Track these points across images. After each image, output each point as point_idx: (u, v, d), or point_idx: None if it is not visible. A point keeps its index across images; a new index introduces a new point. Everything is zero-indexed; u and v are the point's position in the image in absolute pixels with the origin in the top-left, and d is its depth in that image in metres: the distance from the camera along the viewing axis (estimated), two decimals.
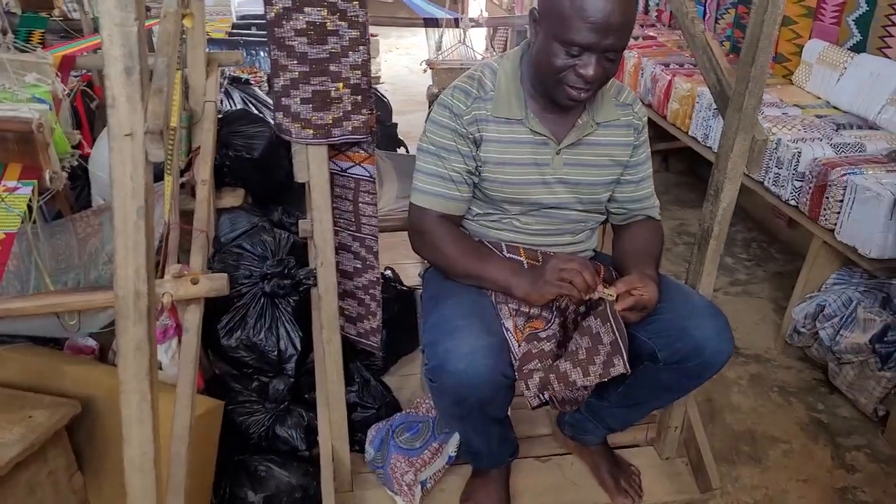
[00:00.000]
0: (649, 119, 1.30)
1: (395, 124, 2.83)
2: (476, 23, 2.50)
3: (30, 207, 1.39)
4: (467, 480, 1.37)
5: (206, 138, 1.68)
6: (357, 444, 1.44)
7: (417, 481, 1.32)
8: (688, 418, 1.43)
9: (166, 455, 1.12)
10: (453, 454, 1.37)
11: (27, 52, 1.65)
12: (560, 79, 1.08)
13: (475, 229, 1.27)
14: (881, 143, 1.93)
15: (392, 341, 1.65)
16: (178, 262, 1.46)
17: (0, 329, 1.34)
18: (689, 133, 2.50)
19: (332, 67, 1.04)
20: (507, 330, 1.16)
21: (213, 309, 1.44)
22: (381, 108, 2.79)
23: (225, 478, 1.37)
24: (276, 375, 1.49)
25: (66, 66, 1.64)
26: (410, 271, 2.04)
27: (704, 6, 3.09)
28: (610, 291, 1.08)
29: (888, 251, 1.61)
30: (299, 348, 1.50)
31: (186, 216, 1.58)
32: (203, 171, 1.59)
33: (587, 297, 1.08)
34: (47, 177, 1.42)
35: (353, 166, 1.20)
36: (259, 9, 3.52)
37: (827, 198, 1.74)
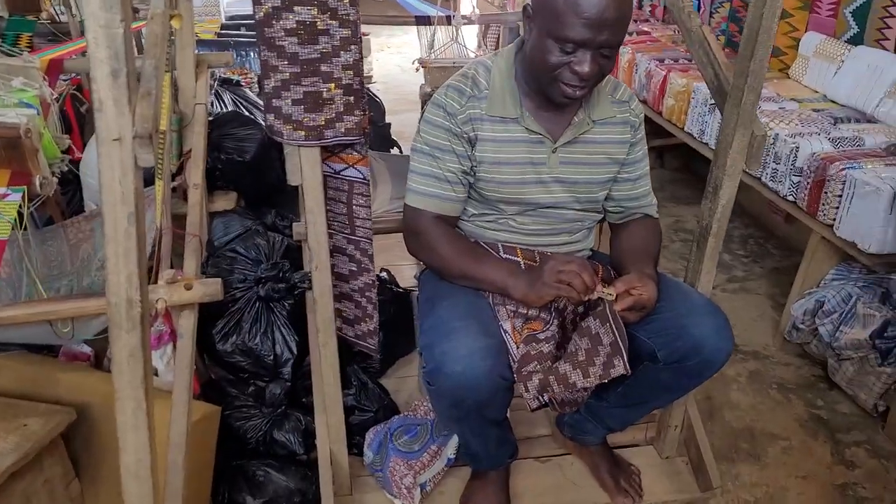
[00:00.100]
0: (644, 115, 1.29)
1: (389, 124, 2.81)
2: (469, 20, 2.48)
3: (20, 214, 1.37)
4: (466, 482, 1.36)
5: (196, 141, 1.66)
6: (355, 448, 1.43)
7: (417, 484, 1.31)
8: (688, 417, 1.42)
9: (163, 462, 1.11)
10: (452, 456, 1.36)
11: (14, 56, 1.62)
12: (555, 76, 1.06)
13: (471, 230, 1.26)
14: (880, 136, 1.92)
15: (389, 343, 1.64)
16: (172, 267, 1.44)
17: None
18: (685, 129, 2.49)
19: (324, 68, 1.03)
20: (506, 331, 1.15)
21: (208, 314, 1.43)
22: (374, 108, 2.77)
23: (223, 483, 1.36)
24: (273, 380, 1.47)
25: (53, 69, 1.62)
26: (406, 272, 2.03)
27: (699, 0, 3.08)
28: (609, 291, 1.07)
29: (888, 246, 1.60)
30: (295, 352, 1.49)
31: (179, 220, 1.56)
32: (195, 174, 1.57)
33: (586, 299, 1.07)
34: (37, 182, 1.40)
35: (347, 168, 1.19)
36: (249, 9, 3.48)
37: (825, 193, 1.73)
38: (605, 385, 1.10)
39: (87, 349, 1.52)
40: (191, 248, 1.40)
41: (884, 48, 2.11)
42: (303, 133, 1.05)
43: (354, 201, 1.22)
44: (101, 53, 0.71)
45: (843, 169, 1.70)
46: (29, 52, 1.98)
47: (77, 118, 1.94)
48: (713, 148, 2.28)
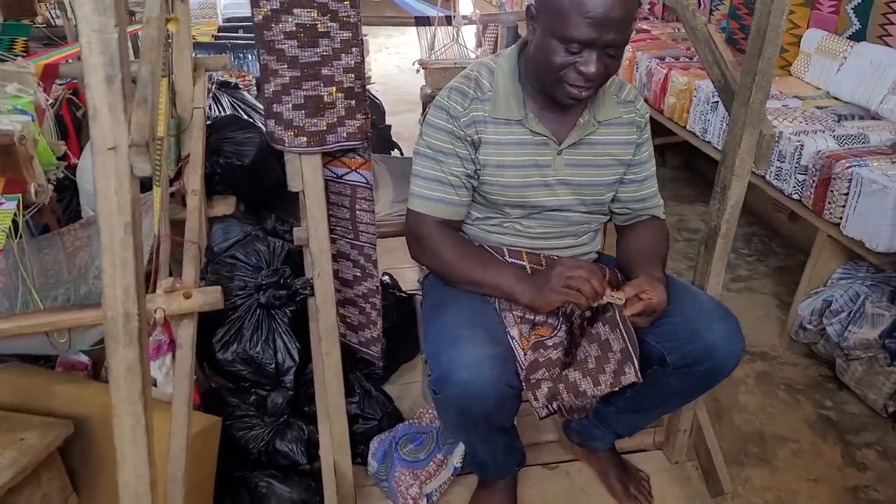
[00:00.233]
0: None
1: (389, 126, 2.78)
2: (469, 20, 2.46)
3: (15, 223, 1.35)
4: (473, 491, 1.34)
5: (195, 146, 1.63)
6: (359, 457, 1.40)
7: (423, 494, 1.29)
8: (697, 421, 1.40)
9: (163, 476, 1.09)
10: (458, 465, 1.34)
11: (7, 61, 1.60)
12: (560, 77, 1.04)
13: (475, 234, 1.24)
14: (884, 133, 1.90)
15: (392, 349, 1.61)
16: (170, 274, 1.42)
17: None
18: (688, 127, 2.47)
19: (325, 71, 1.00)
20: (513, 338, 1.13)
21: (208, 322, 1.40)
22: (374, 110, 2.75)
23: (225, 496, 1.33)
24: (275, 388, 1.45)
25: (48, 75, 1.59)
26: (409, 276, 2.01)
27: None
28: (618, 296, 1.05)
29: None
30: (297, 360, 1.46)
31: (177, 226, 1.54)
32: (193, 180, 1.54)
33: (595, 304, 1.05)
34: (32, 190, 1.38)
35: (350, 172, 1.16)
36: (246, 11, 3.47)
37: (832, 191, 1.71)
38: (613, 391, 1.08)
39: (84, 358, 1.49)
40: (190, 255, 1.38)
41: (887, 44, 2.09)
42: (304, 139, 1.03)
43: (358, 206, 1.19)
44: (96, 59, 0.69)
45: (850, 167, 1.68)
46: (24, 56, 1.95)
47: (73, 122, 1.92)
48: (716, 146, 2.30)
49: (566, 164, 1.16)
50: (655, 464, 1.42)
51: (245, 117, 2.17)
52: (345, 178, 1.18)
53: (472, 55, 2.98)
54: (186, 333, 1.21)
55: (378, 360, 1.37)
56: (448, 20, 2.40)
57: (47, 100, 1.55)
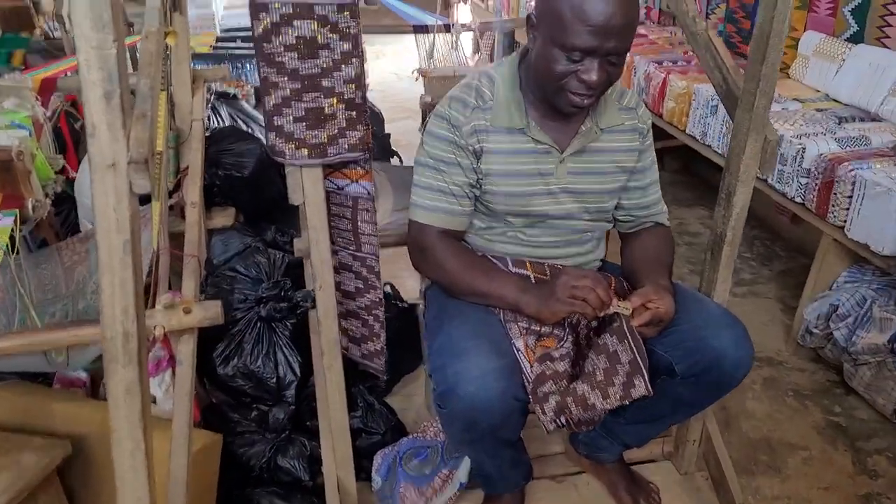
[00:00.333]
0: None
1: (388, 134, 2.78)
2: (468, 28, 2.46)
3: (13, 238, 1.33)
4: None
5: (194, 158, 1.62)
6: (363, 472, 1.38)
7: None
8: (706, 430, 1.38)
9: (163, 495, 1.06)
10: (464, 480, 1.31)
11: (4, 74, 1.59)
12: (561, 85, 1.03)
13: (478, 244, 1.23)
14: (886, 135, 1.89)
15: (394, 360, 1.58)
16: (170, 287, 1.40)
17: None
18: (687, 131, 2.46)
19: (325, 82, 0.99)
20: (518, 350, 1.11)
21: (208, 336, 1.38)
22: (373, 119, 2.74)
23: None
24: (276, 403, 1.43)
25: (46, 89, 1.58)
26: (409, 285, 1.99)
27: (695, 1, 3.06)
28: (625, 305, 1.03)
29: None
30: (299, 374, 1.44)
31: (176, 239, 1.52)
32: (192, 193, 1.53)
33: (601, 314, 1.03)
34: (30, 206, 1.37)
35: (351, 184, 1.15)
36: (243, 21, 3.47)
37: (835, 194, 1.70)
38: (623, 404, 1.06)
39: (82, 374, 1.47)
40: (189, 268, 1.36)
41: (885, 46, 2.09)
42: (305, 151, 1.02)
43: (359, 217, 1.18)
44: (94, 75, 0.68)
45: (853, 170, 1.67)
46: (23, 69, 1.94)
47: (72, 135, 1.90)
48: (717, 150, 2.29)
49: (569, 172, 1.15)
50: (664, 475, 1.40)
51: (244, 128, 2.16)
52: (346, 189, 1.16)
53: (470, 62, 2.98)
54: (186, 350, 1.19)
55: (382, 373, 1.35)
56: (447, 28, 2.40)
57: (45, 113, 1.54)
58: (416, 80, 2.44)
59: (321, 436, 1.32)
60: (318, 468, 1.36)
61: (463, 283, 1.14)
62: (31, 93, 1.52)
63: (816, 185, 1.78)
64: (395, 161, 2.63)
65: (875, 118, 2.04)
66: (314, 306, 1.25)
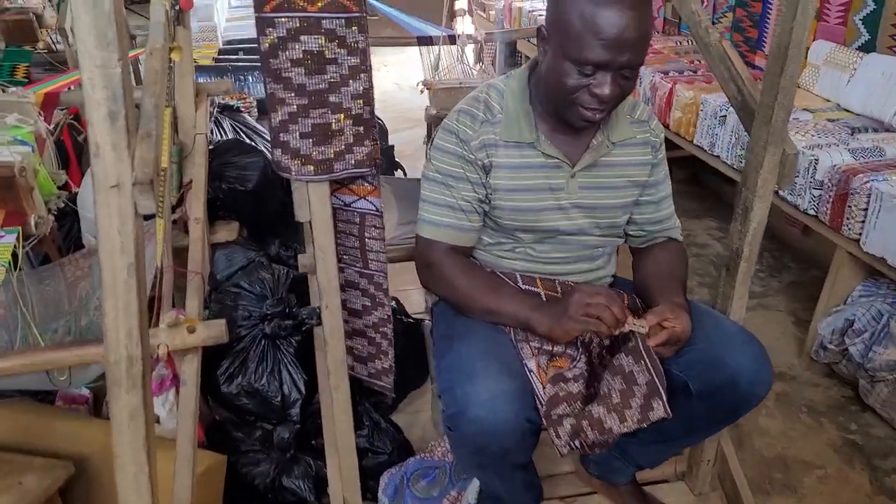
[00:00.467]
0: None
1: (392, 147, 2.76)
2: (474, 40, 2.44)
3: (15, 255, 1.31)
4: None
5: (197, 173, 1.60)
6: (369, 492, 1.35)
7: None
8: (721, 450, 1.34)
9: None
10: (473, 502, 1.28)
11: (7, 89, 1.58)
12: (573, 99, 1.01)
13: (487, 260, 1.20)
14: None
15: (400, 376, 1.55)
16: (173, 303, 1.38)
17: None
18: (695, 142, 2.44)
19: (332, 98, 0.97)
20: (531, 371, 1.08)
21: (212, 353, 1.36)
22: (378, 133, 2.72)
23: None
24: (281, 422, 1.40)
25: (49, 103, 1.57)
26: (415, 298, 1.96)
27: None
28: (641, 324, 1.00)
29: None
30: (304, 392, 1.42)
31: (180, 254, 1.50)
32: (196, 208, 1.51)
33: (616, 333, 1.01)
34: (32, 222, 1.35)
35: (358, 200, 1.13)
36: (246, 33, 3.46)
37: (850, 206, 1.67)
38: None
39: (85, 392, 1.45)
40: (193, 286, 1.34)
41: None
42: (311, 168, 1.00)
43: (367, 234, 1.16)
44: (98, 94, 0.66)
45: (868, 182, 1.64)
46: (26, 82, 1.93)
47: (74, 148, 1.89)
48: (725, 161, 2.27)
49: (580, 187, 1.13)
50: (678, 496, 1.37)
51: (247, 141, 2.15)
52: (353, 205, 1.14)
53: (473, 72, 2.97)
54: (190, 369, 1.17)
55: (390, 391, 1.32)
56: (452, 39, 2.39)
57: (48, 128, 1.53)
58: (422, 92, 2.42)
59: (327, 455, 1.30)
60: (324, 488, 1.33)
61: (472, 300, 1.11)
62: (33, 108, 1.51)
63: (830, 197, 1.75)
64: (398, 174, 2.61)
65: (889, 128, 2.02)
66: (319, 323, 1.23)
